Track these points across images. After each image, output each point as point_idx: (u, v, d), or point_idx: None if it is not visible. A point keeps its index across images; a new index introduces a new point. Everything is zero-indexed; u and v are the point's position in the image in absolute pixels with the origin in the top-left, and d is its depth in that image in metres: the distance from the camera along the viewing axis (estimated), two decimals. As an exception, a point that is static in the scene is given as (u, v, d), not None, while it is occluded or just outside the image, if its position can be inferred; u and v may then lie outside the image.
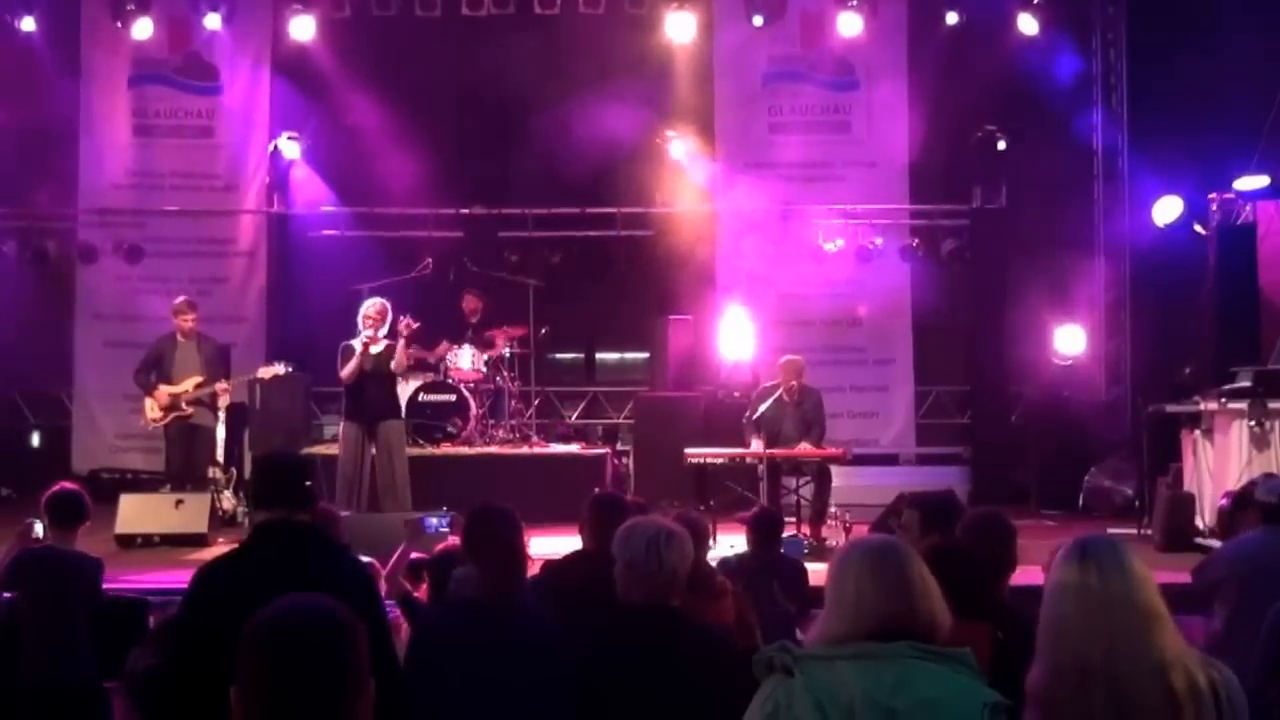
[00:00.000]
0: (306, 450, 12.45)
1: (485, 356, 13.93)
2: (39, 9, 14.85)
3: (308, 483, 4.46)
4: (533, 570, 5.46)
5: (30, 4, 14.77)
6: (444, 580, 5.65)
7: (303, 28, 15.05)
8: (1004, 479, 14.33)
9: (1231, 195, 13.34)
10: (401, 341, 11.24)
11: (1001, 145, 14.95)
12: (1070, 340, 14.25)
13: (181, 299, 12.30)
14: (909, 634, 2.86)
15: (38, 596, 6.35)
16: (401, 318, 11.24)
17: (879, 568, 2.94)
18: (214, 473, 12.20)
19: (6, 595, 6.42)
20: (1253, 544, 5.85)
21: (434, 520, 8.45)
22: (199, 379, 11.84)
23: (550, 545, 7.19)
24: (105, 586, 6.78)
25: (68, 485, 6.90)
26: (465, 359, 13.86)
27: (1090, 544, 3.14)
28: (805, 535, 11.02)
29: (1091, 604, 3.02)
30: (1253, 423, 10.62)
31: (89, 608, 6.48)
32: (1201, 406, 11.35)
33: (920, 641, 2.86)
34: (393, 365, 11.31)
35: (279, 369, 12.18)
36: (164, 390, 11.79)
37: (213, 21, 15.08)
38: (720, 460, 11.76)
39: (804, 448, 11.43)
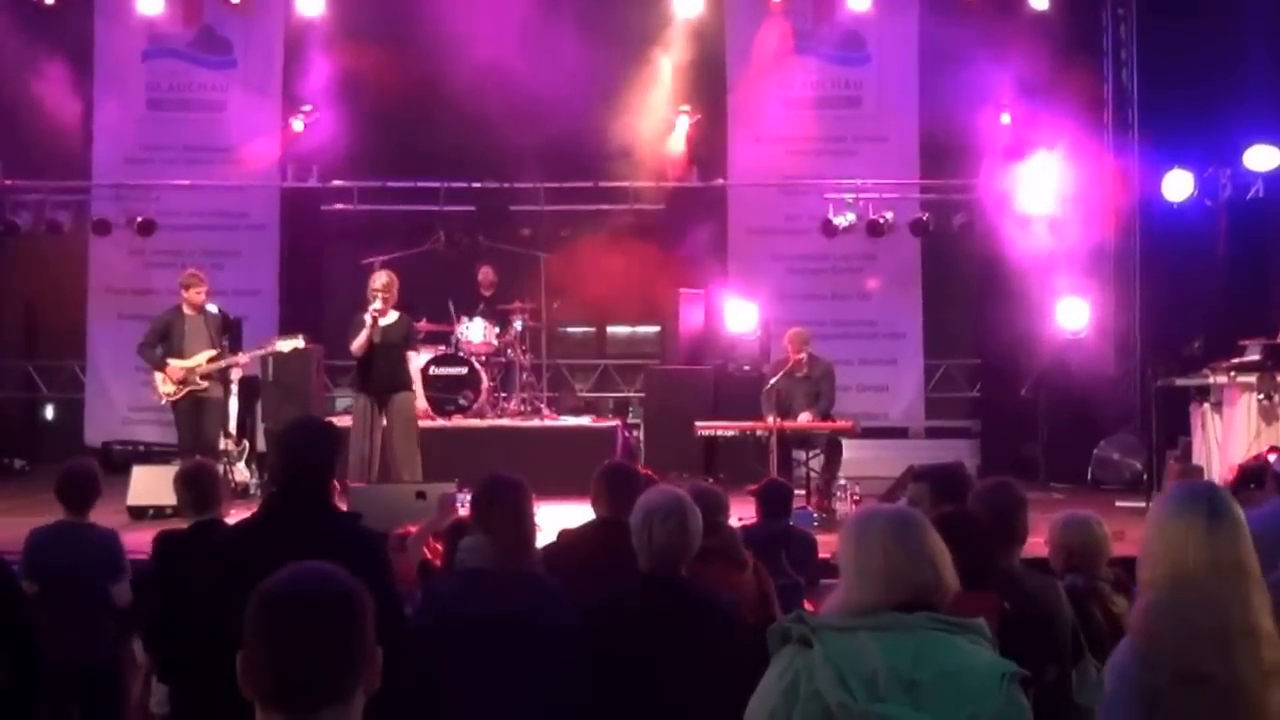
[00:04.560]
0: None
1: (497, 329, 13.95)
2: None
3: (321, 454, 4.46)
4: (548, 539, 5.49)
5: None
6: (453, 551, 5.67)
7: (311, 2, 15.09)
8: (1013, 452, 14.34)
9: (1242, 169, 13.32)
10: None
11: (1010, 118, 14.93)
12: (1072, 313, 14.19)
13: (190, 271, 11.84)
14: (929, 604, 2.84)
15: (56, 577, 6.33)
16: None
17: (905, 537, 2.90)
18: (226, 445, 12.15)
19: (16, 567, 6.45)
20: (1273, 516, 5.81)
21: (465, 495, 8.47)
22: (212, 352, 11.55)
23: (561, 516, 7.21)
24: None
25: (80, 462, 6.92)
26: (477, 332, 13.87)
27: (1219, 502, 3.21)
28: (814, 508, 11.04)
29: (1223, 569, 3.12)
30: (1261, 395, 10.63)
31: (110, 582, 6.47)
32: (1210, 380, 11.33)
33: (936, 611, 2.84)
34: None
35: (291, 342, 12.14)
36: (176, 365, 11.34)
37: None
38: (730, 433, 11.79)
39: (806, 418, 11.46)
